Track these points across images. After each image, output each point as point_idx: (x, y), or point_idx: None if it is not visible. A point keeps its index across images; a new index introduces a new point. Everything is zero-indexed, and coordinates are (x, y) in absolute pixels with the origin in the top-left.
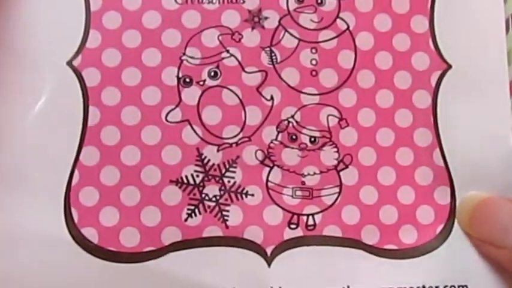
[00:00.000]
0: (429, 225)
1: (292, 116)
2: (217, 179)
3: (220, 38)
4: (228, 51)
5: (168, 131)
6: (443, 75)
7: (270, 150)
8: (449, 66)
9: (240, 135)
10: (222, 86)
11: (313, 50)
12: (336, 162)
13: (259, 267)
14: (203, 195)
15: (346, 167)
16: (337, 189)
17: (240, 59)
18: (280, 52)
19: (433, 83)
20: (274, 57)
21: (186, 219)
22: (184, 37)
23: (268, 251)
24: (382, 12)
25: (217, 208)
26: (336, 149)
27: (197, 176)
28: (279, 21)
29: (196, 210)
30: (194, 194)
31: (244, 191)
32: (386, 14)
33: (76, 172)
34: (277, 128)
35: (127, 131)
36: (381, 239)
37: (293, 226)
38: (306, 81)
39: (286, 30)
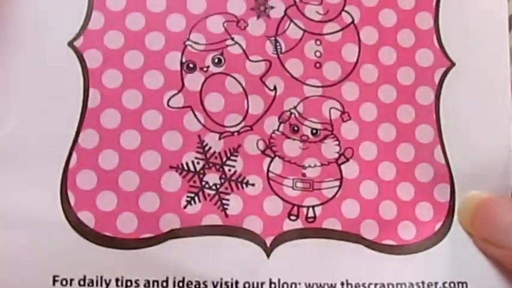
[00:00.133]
0: (428, 222)
1: (295, 107)
2: (217, 167)
3: (225, 25)
4: (232, 38)
5: (170, 117)
6: (446, 73)
7: (271, 140)
8: (453, 64)
9: (242, 124)
10: (225, 74)
11: (318, 42)
12: (337, 155)
13: (258, 257)
14: (203, 183)
15: (347, 160)
16: (337, 183)
17: (244, 47)
18: (285, 42)
19: (437, 80)
20: (278, 47)
21: (185, 207)
22: (189, 22)
23: (268, 241)
24: (387, 7)
25: (217, 196)
26: (337, 142)
27: (198, 163)
28: (285, 11)
29: (196, 198)
30: (194, 182)
31: (245, 180)
32: (392, 10)
33: (74, 155)
34: (279, 118)
35: (127, 115)
36: (380, 234)
37: (293, 218)
38: (310, 72)
39: (291, 21)
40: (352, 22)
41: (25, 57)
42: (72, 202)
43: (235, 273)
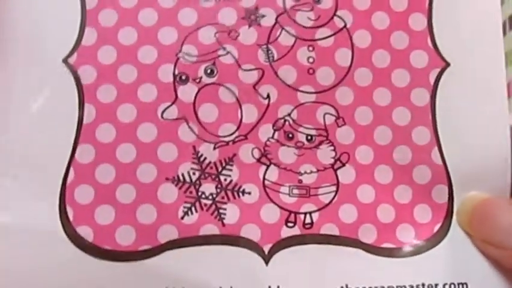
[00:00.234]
0: (427, 224)
1: (289, 114)
2: (213, 177)
3: (216, 35)
4: (224, 48)
5: (164, 129)
6: (441, 73)
7: (266, 148)
8: (448, 64)
9: (237, 133)
10: (218, 84)
11: (310, 48)
12: (332, 160)
13: (256, 265)
14: (199, 193)
15: (343, 165)
16: (334, 188)
17: (236, 56)
18: (277, 50)
19: (432, 80)
20: (271, 55)
21: (182, 217)
22: (180, 34)
23: (266, 249)
24: (380, 10)
25: (213, 206)
26: (332, 148)
27: (193, 173)
28: (276, 19)
29: (193, 208)
30: (190, 192)
31: (241, 189)
32: (384, 12)
33: (71, 170)
34: (273, 126)
35: (122, 129)
36: (378, 237)
37: (290, 224)
38: (303, 79)
39: (283, 28)
40: (345, 26)
41: (21, 76)
42: (70, 217)
43: (234, 282)
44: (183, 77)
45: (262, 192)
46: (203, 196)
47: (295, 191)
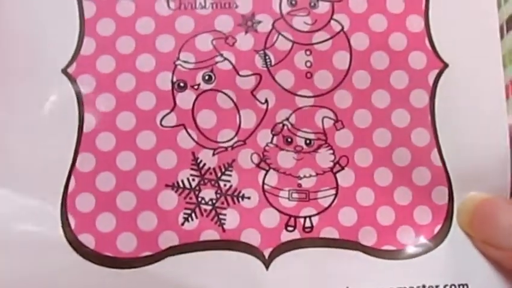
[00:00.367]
0: (427, 225)
1: (287, 119)
2: (213, 182)
3: (213, 42)
4: (221, 55)
5: (163, 136)
6: (440, 74)
7: (265, 153)
8: (446, 65)
9: (235, 139)
10: (216, 90)
11: (308, 52)
12: (331, 164)
13: (257, 270)
14: (199, 199)
15: (342, 168)
16: (333, 191)
17: (234, 62)
18: (274, 55)
19: (431, 82)
20: (268, 60)
21: (182, 224)
22: (177, 42)
23: (266, 253)
24: (377, 12)
25: (213, 212)
26: (331, 151)
27: (193, 180)
28: (273, 25)
29: (193, 214)
30: (190, 198)
31: (241, 194)
32: (381, 14)
33: (72, 178)
34: (272, 131)
35: (122, 137)
36: (379, 240)
37: (290, 228)
38: (301, 83)
39: (279, 33)
40: (342, 30)
41: (21, 87)
42: (72, 225)
43: (235, 287)
44: (181, 84)
45: (262, 197)
46: (203, 202)
47: (295, 195)
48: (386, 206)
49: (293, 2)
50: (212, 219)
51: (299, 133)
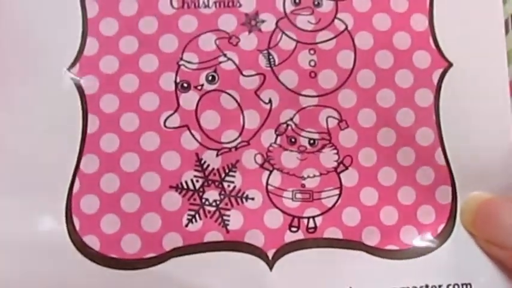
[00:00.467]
0: (430, 224)
1: (291, 119)
2: (217, 183)
3: (217, 42)
4: (225, 55)
5: (167, 137)
6: (444, 73)
7: (269, 153)
8: (451, 64)
9: (239, 140)
10: (220, 90)
11: (312, 51)
12: (335, 164)
13: (261, 271)
14: (203, 200)
15: (346, 168)
16: (337, 191)
17: (237, 62)
18: (278, 54)
19: (435, 81)
20: (272, 60)
21: (186, 225)
22: (181, 42)
23: (270, 254)
24: (381, 11)
25: (217, 213)
26: (335, 151)
27: (197, 181)
28: (276, 24)
29: (197, 216)
30: (194, 199)
31: (245, 195)
32: (385, 13)
33: (77, 180)
34: (276, 131)
35: (126, 138)
36: (382, 239)
37: (294, 229)
38: (305, 83)
39: (283, 33)
40: (346, 29)
41: (24, 88)
42: (77, 227)
43: None
44: (185, 85)
45: (266, 198)
46: (207, 203)
47: (299, 196)
48: (390, 206)
49: (297, 1)
50: (216, 221)
51: (303, 133)
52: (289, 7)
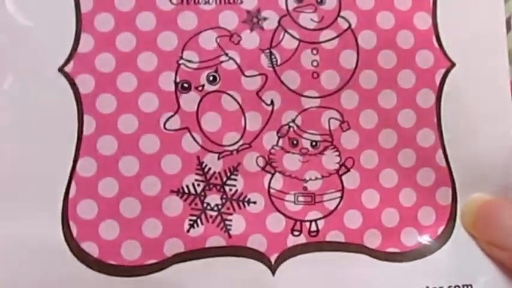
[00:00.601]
0: (430, 226)
1: (293, 121)
2: (218, 187)
3: (218, 40)
4: (226, 54)
5: (167, 140)
6: (447, 74)
7: (271, 156)
8: (453, 64)
9: (241, 142)
10: (221, 91)
11: (314, 51)
12: (337, 166)
13: (263, 275)
14: (205, 205)
15: (348, 170)
16: (339, 194)
17: (239, 62)
18: (280, 54)
19: (437, 81)
20: (274, 60)
21: (188, 230)
22: (180, 40)
23: (272, 259)
24: (384, 9)
25: (219, 217)
26: (337, 153)
27: (198, 185)
28: (279, 22)
29: (199, 221)
30: (196, 204)
31: (246, 199)
32: (389, 12)
33: (73, 184)
34: (277, 133)
35: (124, 140)
36: (383, 242)
37: (296, 233)
38: (307, 83)
39: (286, 31)
40: (349, 27)
41: (16, 87)
42: (74, 233)
43: None
44: (185, 85)
45: (268, 201)
46: (208, 208)
47: (301, 199)
48: (391, 208)
49: None
50: (218, 225)
51: (305, 135)
52: (292, 4)
